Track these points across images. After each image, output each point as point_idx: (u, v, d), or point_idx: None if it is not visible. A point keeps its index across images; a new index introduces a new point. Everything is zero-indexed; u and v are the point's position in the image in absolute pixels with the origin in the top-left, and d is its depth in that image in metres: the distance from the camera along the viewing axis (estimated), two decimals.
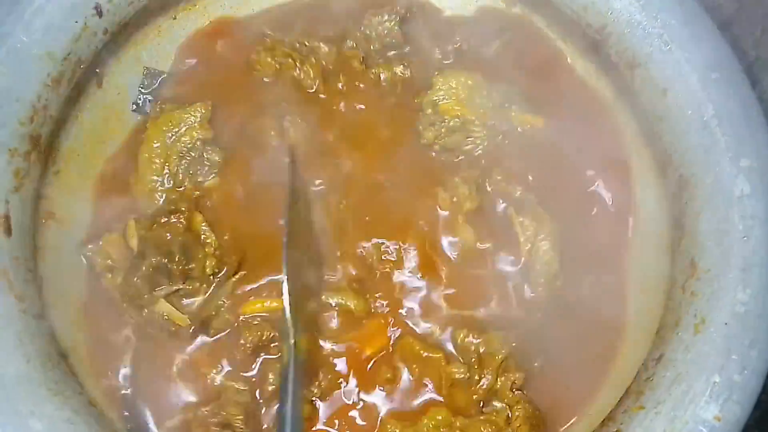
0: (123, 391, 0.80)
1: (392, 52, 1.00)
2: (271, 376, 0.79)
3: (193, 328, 0.82)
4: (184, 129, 0.90)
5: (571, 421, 0.80)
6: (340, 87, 0.96)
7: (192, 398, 0.79)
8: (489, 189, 0.90)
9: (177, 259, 0.82)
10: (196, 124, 0.90)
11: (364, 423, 0.78)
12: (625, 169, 0.93)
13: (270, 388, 0.78)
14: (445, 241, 0.88)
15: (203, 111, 0.91)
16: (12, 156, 0.75)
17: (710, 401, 0.66)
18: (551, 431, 0.78)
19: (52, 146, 0.86)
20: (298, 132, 0.92)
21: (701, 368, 0.67)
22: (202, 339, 0.82)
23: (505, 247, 0.87)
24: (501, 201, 0.90)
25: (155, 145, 0.89)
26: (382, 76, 0.97)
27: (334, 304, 0.82)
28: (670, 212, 0.83)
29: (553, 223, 0.86)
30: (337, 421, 0.78)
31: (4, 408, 0.62)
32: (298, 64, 0.96)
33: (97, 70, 0.92)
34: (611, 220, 0.91)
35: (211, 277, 0.84)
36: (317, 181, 0.90)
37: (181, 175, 0.90)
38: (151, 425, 0.78)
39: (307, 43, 0.98)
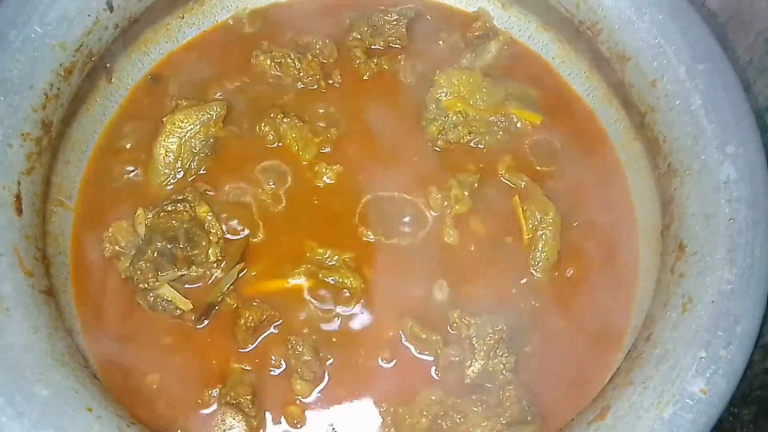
0: (126, 372, 0.81)
1: (396, 47, 1.04)
2: (273, 356, 0.81)
3: (195, 312, 0.84)
4: (199, 126, 0.93)
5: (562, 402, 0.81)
6: (339, 82, 1.00)
7: (198, 380, 0.81)
8: (493, 179, 0.94)
9: (182, 246, 0.85)
10: (211, 123, 0.93)
11: (359, 401, 0.80)
12: (617, 163, 0.97)
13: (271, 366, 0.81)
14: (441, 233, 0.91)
15: (219, 110, 0.94)
16: (24, 140, 0.78)
17: (697, 375, 0.67)
18: (542, 412, 0.79)
19: (62, 135, 0.89)
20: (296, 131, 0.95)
21: (688, 344, 0.69)
22: (205, 322, 0.84)
23: (506, 236, 0.90)
24: (506, 190, 0.93)
25: (171, 140, 0.92)
26: (386, 67, 1.01)
27: (332, 282, 0.85)
28: (660, 199, 0.85)
29: (557, 213, 0.89)
30: (331, 399, 0.81)
31: (12, 374, 0.64)
32: (297, 62, 0.99)
33: (107, 65, 0.95)
34: (609, 211, 0.94)
35: (215, 264, 0.86)
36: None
37: (193, 170, 0.93)
38: (157, 407, 0.80)
39: (303, 41, 1.02)
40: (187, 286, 0.86)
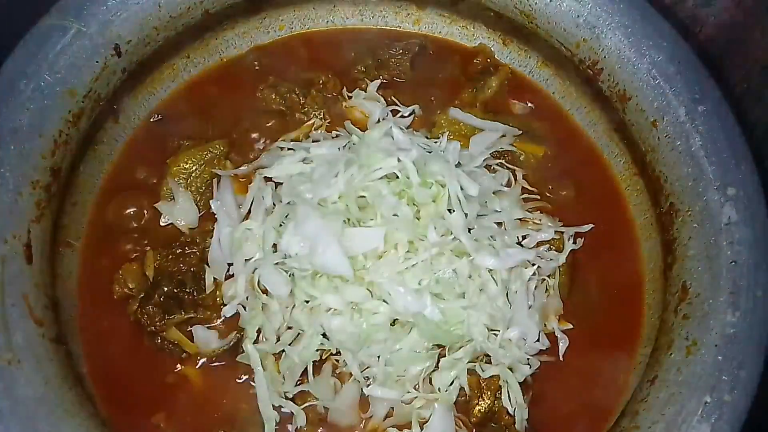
0: (136, 416, 0.82)
1: (400, 80, 1.05)
2: None
3: (202, 354, 0.85)
4: (203, 166, 0.94)
5: None
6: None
7: (206, 421, 0.82)
8: None
9: (188, 290, 0.86)
10: (215, 161, 0.94)
11: None
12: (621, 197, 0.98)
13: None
14: None
15: (222, 148, 0.95)
16: (34, 188, 0.79)
17: (702, 421, 0.68)
18: None
19: (70, 178, 0.90)
20: None
21: (693, 389, 0.70)
22: (214, 365, 0.85)
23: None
24: None
25: (176, 183, 0.93)
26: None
27: None
28: (662, 237, 0.86)
29: (562, 259, 0.89)
30: None
31: (26, 428, 0.65)
32: (301, 97, 1.01)
33: (114, 107, 0.96)
34: (613, 247, 0.94)
35: (222, 306, 0.86)
36: None
37: (200, 209, 0.93)
38: None
39: (307, 76, 1.03)
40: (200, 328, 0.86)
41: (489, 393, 0.82)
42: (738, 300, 0.73)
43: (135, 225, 0.93)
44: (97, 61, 0.87)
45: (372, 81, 1.04)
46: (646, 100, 0.87)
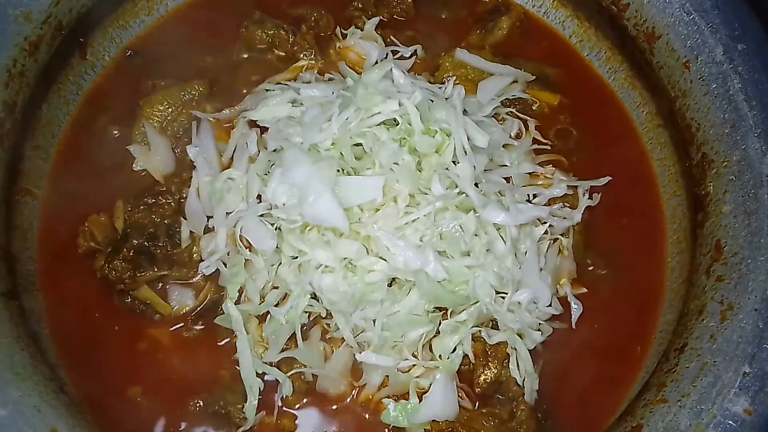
0: (101, 381, 0.74)
1: (401, 19, 0.96)
2: None
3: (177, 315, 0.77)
4: (180, 108, 0.85)
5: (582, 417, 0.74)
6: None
7: (182, 388, 0.74)
8: None
9: (162, 243, 0.77)
10: (193, 103, 0.86)
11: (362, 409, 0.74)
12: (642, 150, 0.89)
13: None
14: None
15: (201, 89, 0.86)
16: None
17: (740, 393, 0.61)
18: (559, 427, 0.72)
19: (30, 118, 0.81)
20: None
21: (730, 358, 0.62)
22: (189, 327, 0.77)
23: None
24: None
25: (150, 126, 0.84)
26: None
27: None
28: (691, 193, 0.78)
29: (577, 218, 0.81)
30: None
31: None
32: (290, 35, 0.91)
33: (81, 40, 0.86)
34: (632, 205, 0.86)
35: (199, 263, 0.78)
36: None
37: (176, 156, 0.84)
38: (135, 420, 0.73)
39: (297, 12, 0.94)
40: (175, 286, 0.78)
41: (496, 361, 0.74)
42: None
43: (104, 172, 0.84)
44: None
45: (369, 19, 0.94)
46: (678, 38, 0.79)
